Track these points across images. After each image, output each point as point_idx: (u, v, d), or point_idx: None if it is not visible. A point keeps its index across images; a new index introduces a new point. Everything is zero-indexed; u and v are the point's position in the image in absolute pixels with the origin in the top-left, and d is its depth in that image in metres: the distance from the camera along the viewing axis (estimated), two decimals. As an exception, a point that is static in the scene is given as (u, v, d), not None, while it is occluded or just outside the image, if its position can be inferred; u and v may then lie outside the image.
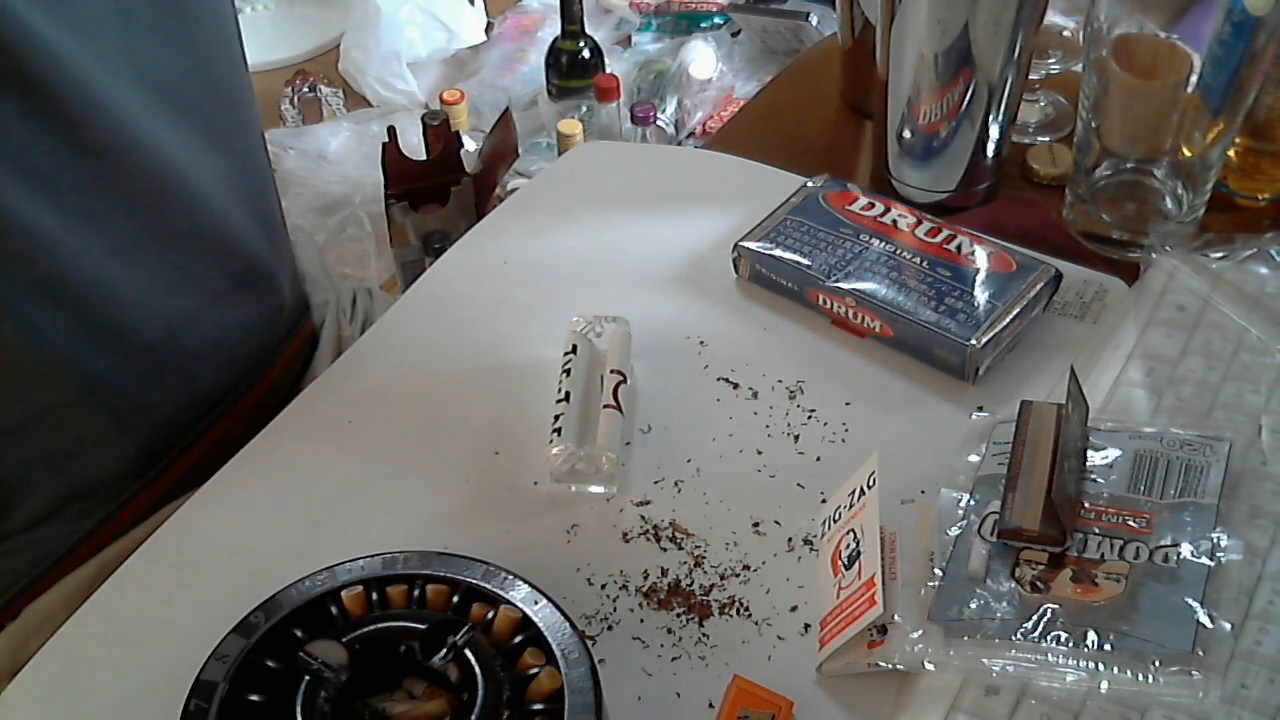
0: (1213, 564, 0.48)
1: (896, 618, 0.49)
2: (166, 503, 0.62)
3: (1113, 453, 0.54)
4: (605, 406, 0.60)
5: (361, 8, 2.14)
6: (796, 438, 0.61)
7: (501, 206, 0.79)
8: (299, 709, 0.43)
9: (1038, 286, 0.64)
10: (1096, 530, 0.51)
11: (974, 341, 0.61)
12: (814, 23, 1.93)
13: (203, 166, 0.60)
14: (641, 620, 0.53)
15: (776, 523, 0.57)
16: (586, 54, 2.00)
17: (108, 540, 0.62)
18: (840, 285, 0.65)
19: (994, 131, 0.73)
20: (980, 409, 0.60)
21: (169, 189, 0.59)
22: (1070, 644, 0.47)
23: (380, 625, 0.46)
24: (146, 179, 0.57)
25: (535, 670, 0.45)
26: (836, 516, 0.55)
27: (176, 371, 0.64)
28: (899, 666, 0.48)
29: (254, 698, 0.44)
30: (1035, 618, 0.48)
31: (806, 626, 0.53)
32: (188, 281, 0.62)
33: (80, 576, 0.61)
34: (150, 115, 0.56)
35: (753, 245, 0.69)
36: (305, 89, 2.14)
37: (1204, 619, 0.46)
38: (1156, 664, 0.45)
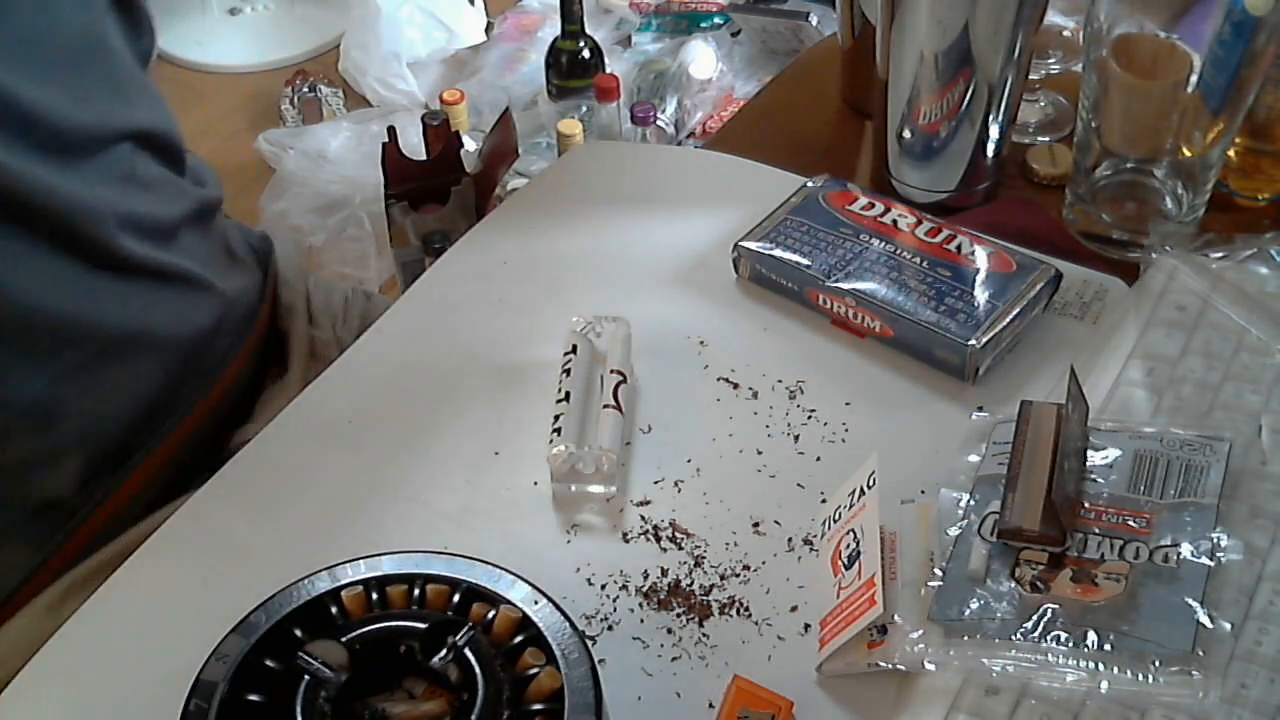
0: (1213, 564, 0.48)
1: (896, 618, 0.49)
2: (123, 523, 0.61)
3: (1113, 453, 0.54)
4: (605, 406, 0.60)
5: (361, 8, 2.14)
6: (796, 438, 0.61)
7: (501, 206, 0.79)
8: (299, 709, 0.43)
9: (1038, 286, 0.64)
10: (1096, 530, 0.51)
11: (974, 341, 0.61)
12: (814, 23, 1.93)
13: (102, 197, 0.60)
14: (641, 620, 0.53)
15: (776, 523, 0.57)
16: (586, 54, 2.00)
17: (66, 564, 0.62)
18: (840, 285, 0.65)
19: (994, 131, 0.73)
20: (980, 409, 0.60)
21: (79, 224, 0.58)
22: (1070, 644, 0.47)
23: (380, 625, 0.46)
24: (50, 218, 0.57)
25: (535, 670, 0.45)
26: (836, 516, 0.55)
27: (116, 387, 0.63)
28: (899, 666, 0.48)
29: (254, 698, 0.44)
30: (1035, 618, 0.48)
31: (806, 626, 0.53)
32: (118, 300, 0.61)
33: (46, 599, 0.60)
34: (31, 161, 0.55)
35: (753, 245, 0.69)
36: (305, 89, 2.14)
37: (1204, 619, 0.46)
38: (1156, 664, 0.45)
